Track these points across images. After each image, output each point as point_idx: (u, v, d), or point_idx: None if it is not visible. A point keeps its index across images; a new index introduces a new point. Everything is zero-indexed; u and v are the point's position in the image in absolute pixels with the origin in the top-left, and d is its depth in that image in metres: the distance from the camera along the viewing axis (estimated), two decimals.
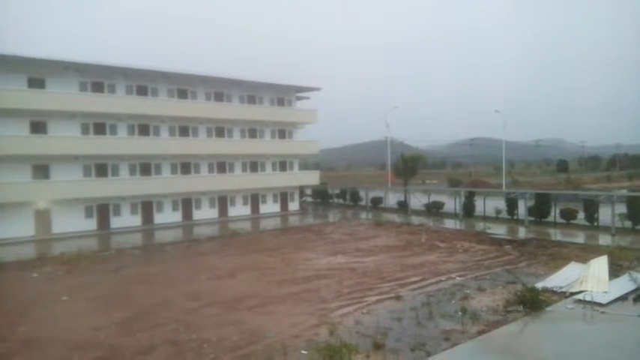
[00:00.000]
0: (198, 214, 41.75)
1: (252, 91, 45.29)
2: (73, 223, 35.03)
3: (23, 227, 33.05)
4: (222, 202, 43.48)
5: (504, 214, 36.71)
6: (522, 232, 30.82)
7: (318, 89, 48.49)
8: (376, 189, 54.59)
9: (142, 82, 38.68)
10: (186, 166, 41.39)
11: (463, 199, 39.21)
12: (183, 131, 41.21)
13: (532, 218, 34.19)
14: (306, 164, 62.78)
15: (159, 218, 39.50)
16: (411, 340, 12.67)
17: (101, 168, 36.92)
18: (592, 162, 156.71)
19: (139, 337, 13.61)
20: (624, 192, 41.92)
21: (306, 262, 23.88)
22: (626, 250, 22.99)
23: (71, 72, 35.05)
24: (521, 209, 35.06)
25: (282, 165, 48.02)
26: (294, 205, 49.01)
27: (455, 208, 40.20)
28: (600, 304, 14.81)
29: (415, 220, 38.50)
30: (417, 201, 44.85)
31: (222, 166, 43.56)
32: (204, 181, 41.57)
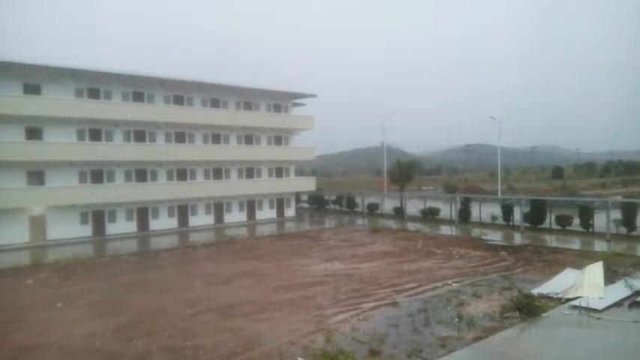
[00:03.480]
0: (194, 221, 41.66)
1: (248, 98, 45.38)
2: (68, 229, 34.87)
3: (18, 233, 32.89)
4: (218, 208, 43.42)
5: (500, 220, 36.81)
6: (518, 238, 30.89)
7: (314, 96, 48.63)
8: (372, 195, 54.69)
9: (138, 88, 38.68)
10: (182, 173, 41.34)
11: (459, 205, 39.29)
12: (180, 137, 41.20)
13: (528, 224, 34.28)
14: (302, 170, 62.82)
15: (154, 225, 39.38)
16: (407, 346, 12.66)
17: (97, 174, 36.82)
18: (587, 168, 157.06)
19: (135, 343, 13.54)
20: (619, 198, 42.11)
21: (303, 268, 23.85)
22: (622, 256, 23.14)
23: (67, 78, 35.03)
24: (517, 215, 35.18)
25: (279, 171, 48.03)
26: (290, 211, 48.98)
27: (451, 214, 40.25)
28: (596, 310, 14.86)
29: (411, 226, 38.54)
30: (413, 207, 44.94)
31: (218, 172, 43.54)
32: (200, 188, 41.52)
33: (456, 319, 14.77)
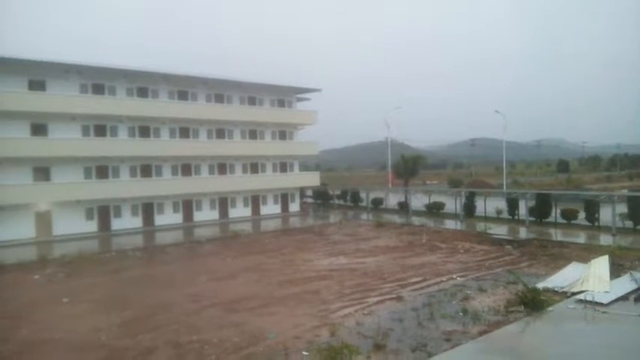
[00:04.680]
0: (198, 216, 41.75)
1: (252, 93, 45.31)
2: (73, 225, 35.01)
3: (24, 229, 33.04)
4: (223, 203, 43.48)
5: (505, 215, 36.70)
6: (523, 233, 30.81)
7: (318, 90, 48.50)
8: (377, 190, 54.60)
9: (143, 83, 38.70)
10: (186, 168, 41.39)
11: (464, 199, 39.21)
12: (184, 133, 41.23)
13: (533, 218, 34.18)
14: (306, 165, 62.82)
15: (159, 220, 39.49)
16: (412, 340, 12.67)
17: (102, 170, 36.93)
18: (592, 162, 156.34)
19: (140, 338, 13.61)
20: (625, 192, 41.91)
21: (307, 263, 23.89)
22: (627, 250, 23.07)
23: (72, 74, 35.08)
24: (522, 209, 35.08)
25: (283, 166, 48.02)
26: (294, 207, 49.00)
27: (455, 209, 40.17)
28: (601, 304, 14.81)
29: (416, 220, 38.47)
30: (418, 202, 44.86)
31: (222, 167, 43.56)
32: (204, 183, 41.56)
33: (461, 314, 14.77)
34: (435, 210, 42.27)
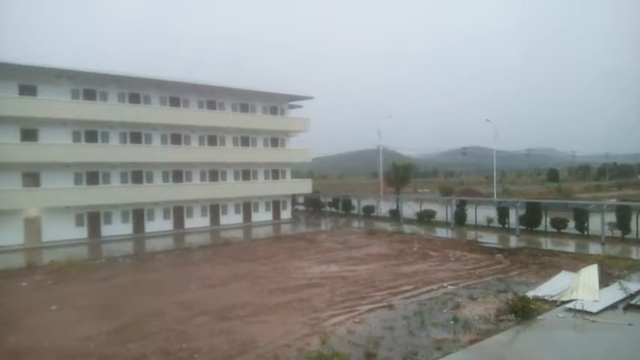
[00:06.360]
0: (189, 223, 41.54)
1: (244, 100, 45.33)
2: (63, 231, 34.70)
3: (13, 235, 32.68)
4: (214, 210, 43.32)
5: (495, 223, 36.91)
6: (513, 241, 30.97)
7: (310, 98, 48.65)
8: (368, 197, 54.69)
9: (135, 89, 38.59)
10: (178, 174, 41.22)
11: (455, 207, 39.38)
12: (176, 139, 41.10)
13: (523, 227, 34.38)
14: (298, 172, 62.82)
15: (150, 226, 39.24)
16: (402, 349, 12.67)
17: (92, 176, 36.67)
18: (582, 171, 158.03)
19: (130, 346, 13.49)
20: (614, 201, 42.31)
21: (299, 270, 23.84)
22: (616, 259, 23.24)
23: (63, 79, 34.89)
24: (513, 218, 35.26)
25: (275, 173, 47.99)
26: (286, 214, 48.94)
27: (447, 217, 40.33)
28: (591, 313, 14.91)
29: (407, 228, 38.57)
30: (409, 209, 44.98)
31: (214, 174, 43.45)
32: (196, 190, 41.40)
33: (452, 322, 14.81)
34: (426, 218, 42.40)
